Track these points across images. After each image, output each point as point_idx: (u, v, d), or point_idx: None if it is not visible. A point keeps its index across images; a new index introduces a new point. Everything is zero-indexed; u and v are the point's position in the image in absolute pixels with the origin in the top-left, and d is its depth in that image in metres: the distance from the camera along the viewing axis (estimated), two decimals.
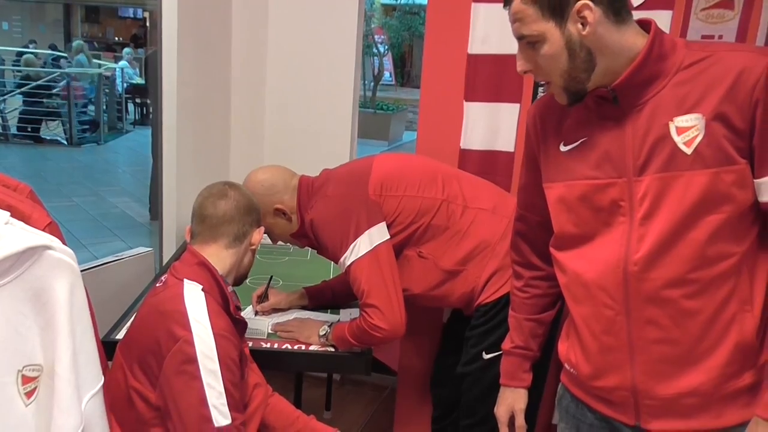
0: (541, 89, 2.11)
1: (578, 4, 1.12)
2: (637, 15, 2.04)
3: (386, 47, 13.73)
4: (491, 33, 2.11)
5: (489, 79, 2.13)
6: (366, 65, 12.43)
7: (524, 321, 1.53)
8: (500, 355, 1.78)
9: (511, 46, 2.12)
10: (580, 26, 1.14)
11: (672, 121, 1.14)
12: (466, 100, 2.16)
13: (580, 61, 1.16)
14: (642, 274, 1.18)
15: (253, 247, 1.66)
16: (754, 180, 1.12)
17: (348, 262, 1.80)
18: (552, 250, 1.37)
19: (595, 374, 1.30)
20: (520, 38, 1.20)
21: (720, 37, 1.93)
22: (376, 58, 12.46)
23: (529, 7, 1.16)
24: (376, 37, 12.86)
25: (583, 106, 1.23)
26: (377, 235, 1.80)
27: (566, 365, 1.39)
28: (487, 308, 1.84)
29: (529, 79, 2.11)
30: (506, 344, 1.57)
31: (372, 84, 12.23)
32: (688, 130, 1.13)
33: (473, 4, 2.11)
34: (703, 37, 1.95)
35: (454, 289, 1.88)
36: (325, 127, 2.91)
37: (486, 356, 1.82)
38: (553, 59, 1.17)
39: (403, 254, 1.88)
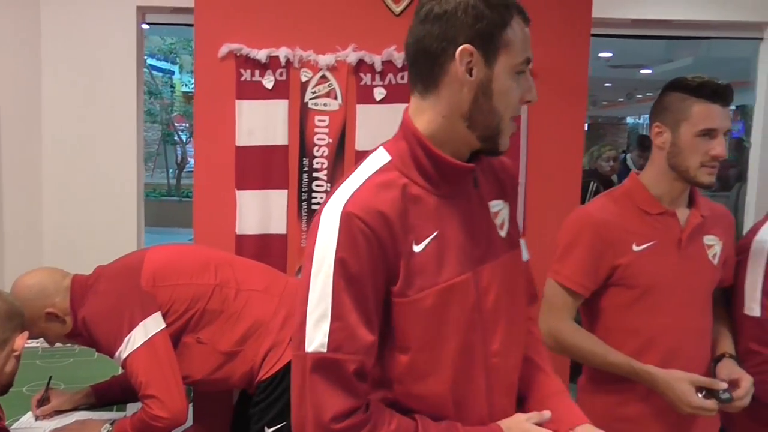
0: (306, 176, 2.31)
1: None
2: (379, 108, 2.34)
3: (189, 135, 13.66)
4: (255, 126, 2.28)
5: (257, 168, 2.29)
6: (169, 153, 12.27)
7: None
8: (282, 427, 1.88)
9: (275, 138, 2.33)
10: None
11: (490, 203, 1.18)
12: (237, 189, 2.29)
13: None
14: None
15: (16, 353, 1.63)
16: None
17: (124, 356, 1.81)
18: None
19: None
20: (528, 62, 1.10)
21: None
22: (178, 146, 12.36)
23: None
24: (177, 124, 12.79)
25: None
26: (152, 325, 1.84)
27: None
28: (266, 384, 1.93)
29: (295, 166, 2.30)
30: None
31: (176, 172, 12.07)
32: (499, 214, 1.20)
33: (237, 101, 2.28)
34: None
35: (235, 370, 1.95)
36: (109, 220, 2.90)
37: (268, 430, 1.90)
38: None
39: (181, 342, 1.92)
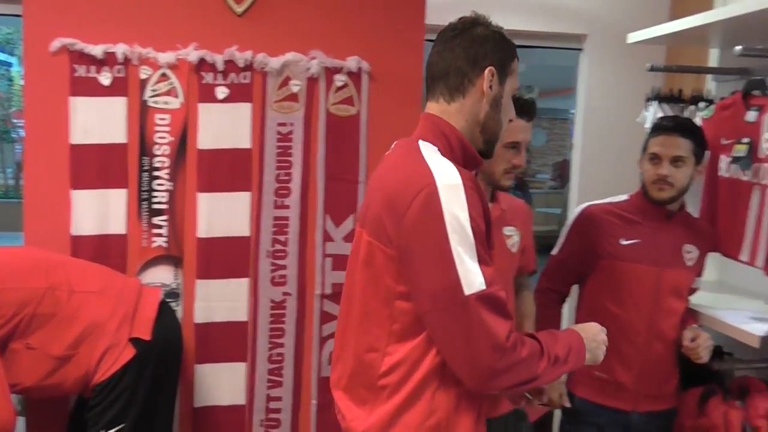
0: (146, 175, 2.26)
1: None
2: (222, 107, 2.34)
3: None
4: (92, 124, 2.21)
5: (94, 167, 2.22)
6: (7, 152, 11.36)
7: None
8: (120, 430, 1.86)
9: (113, 137, 2.28)
10: None
11: None
12: (72, 188, 2.21)
13: None
14: None
15: None
16: None
17: None
18: None
19: None
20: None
21: (291, 124, 2.32)
22: (17, 144, 11.47)
23: None
24: (15, 121, 11.86)
25: None
26: None
27: None
28: (103, 386, 1.90)
29: (134, 165, 2.26)
30: None
31: (15, 171, 11.20)
32: None
33: (71, 98, 2.20)
34: (279, 124, 2.32)
35: (68, 375, 1.90)
36: None
37: None
38: None
39: (9, 348, 1.85)
